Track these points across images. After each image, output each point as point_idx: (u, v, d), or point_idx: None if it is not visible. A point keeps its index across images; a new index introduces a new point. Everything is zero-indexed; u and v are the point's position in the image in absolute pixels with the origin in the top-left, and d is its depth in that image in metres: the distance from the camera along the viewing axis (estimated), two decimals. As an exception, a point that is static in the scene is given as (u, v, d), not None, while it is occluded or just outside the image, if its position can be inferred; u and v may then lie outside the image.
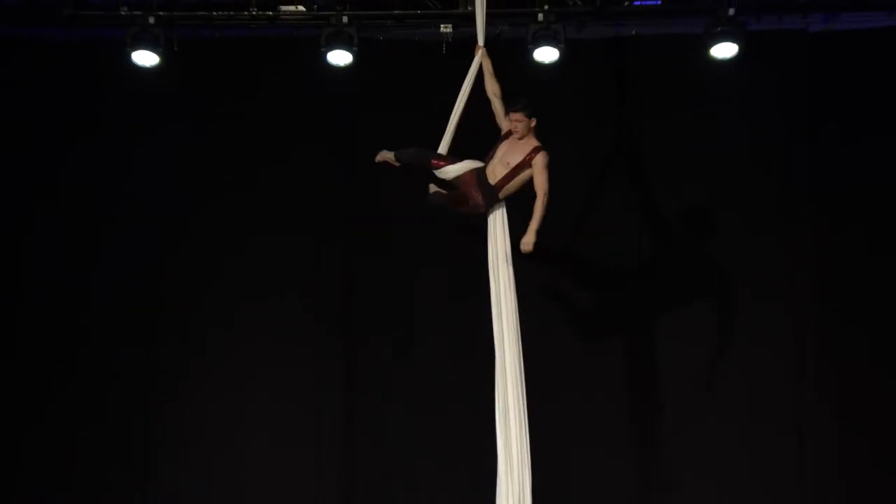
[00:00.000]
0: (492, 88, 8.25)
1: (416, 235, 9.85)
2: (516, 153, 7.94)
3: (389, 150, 8.15)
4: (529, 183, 7.92)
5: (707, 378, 9.77)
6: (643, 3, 9.92)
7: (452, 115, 8.19)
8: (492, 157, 8.03)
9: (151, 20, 9.75)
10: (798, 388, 9.77)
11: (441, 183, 8.06)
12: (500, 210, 8.08)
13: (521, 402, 7.82)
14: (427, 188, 8.21)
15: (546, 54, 9.74)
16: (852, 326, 9.76)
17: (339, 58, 9.86)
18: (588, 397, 9.87)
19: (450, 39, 9.90)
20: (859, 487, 9.61)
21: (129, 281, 10.09)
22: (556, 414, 9.48)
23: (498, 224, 8.06)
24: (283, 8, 10.00)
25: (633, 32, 10.12)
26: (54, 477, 9.93)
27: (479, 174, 7.92)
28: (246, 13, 9.96)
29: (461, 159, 8.00)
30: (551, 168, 7.90)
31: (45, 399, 10.00)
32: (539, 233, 7.78)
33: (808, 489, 9.66)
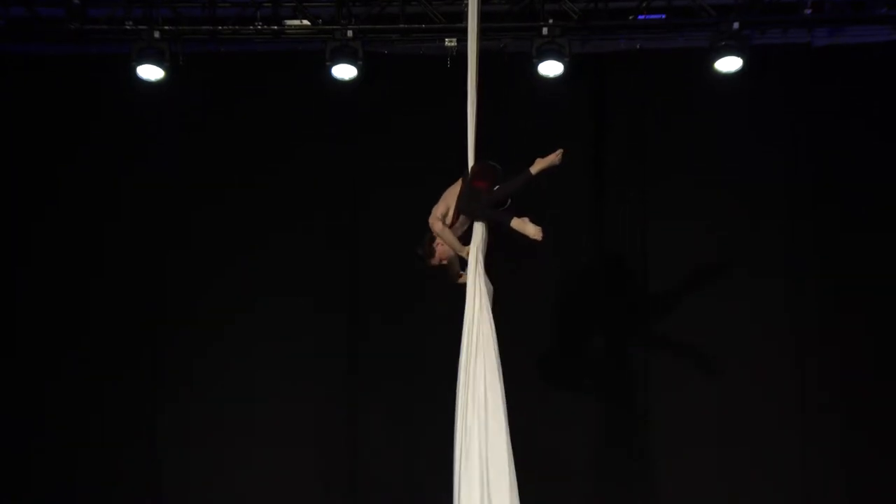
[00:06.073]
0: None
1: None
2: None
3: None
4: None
5: (711, 367, 9.82)
6: (648, 17, 9.93)
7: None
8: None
9: (157, 35, 9.77)
10: (800, 378, 9.82)
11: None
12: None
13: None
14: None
15: (551, 68, 9.75)
16: (853, 319, 9.80)
17: (344, 72, 9.88)
18: (593, 386, 10.01)
19: (454, 53, 9.89)
20: (860, 475, 9.66)
21: (133, 286, 10.14)
22: (558, 406, 9.62)
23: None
24: (288, 22, 10.02)
25: (638, 46, 10.13)
26: (59, 478, 9.95)
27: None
28: (251, 27, 9.99)
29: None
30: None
31: (47, 403, 10.04)
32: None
33: (810, 476, 9.70)
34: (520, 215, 7.32)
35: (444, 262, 7.62)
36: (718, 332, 9.87)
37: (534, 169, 7.38)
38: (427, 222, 7.62)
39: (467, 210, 7.50)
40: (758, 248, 9.98)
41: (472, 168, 7.56)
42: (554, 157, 7.37)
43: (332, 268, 10.18)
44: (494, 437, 7.28)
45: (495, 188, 7.47)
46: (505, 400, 7.35)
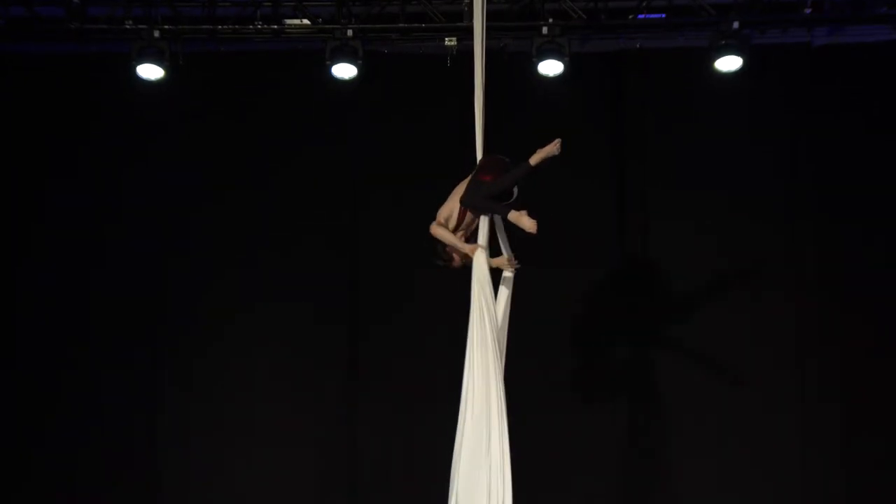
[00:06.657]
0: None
1: (420, 241, 9.84)
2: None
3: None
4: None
5: (710, 367, 9.85)
6: (647, 16, 9.93)
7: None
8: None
9: (156, 34, 9.78)
10: (800, 379, 9.83)
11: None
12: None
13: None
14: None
15: (551, 67, 9.76)
16: (853, 319, 9.81)
17: (344, 71, 9.89)
18: (591, 386, 10.02)
19: (454, 52, 9.91)
20: (860, 475, 9.68)
21: (133, 286, 10.15)
22: (557, 408, 9.71)
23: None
24: (288, 22, 10.03)
25: (638, 45, 10.13)
26: (58, 478, 9.96)
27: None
28: (251, 27, 10.00)
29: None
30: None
31: (47, 402, 10.04)
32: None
33: (810, 476, 9.72)
34: (518, 209, 7.35)
35: (467, 261, 7.62)
36: (718, 332, 9.88)
37: (533, 160, 7.40)
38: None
39: (468, 202, 7.52)
40: (757, 247, 9.98)
41: (480, 161, 7.58)
42: (552, 148, 7.40)
43: (332, 267, 10.18)
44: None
45: (495, 180, 7.48)
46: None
